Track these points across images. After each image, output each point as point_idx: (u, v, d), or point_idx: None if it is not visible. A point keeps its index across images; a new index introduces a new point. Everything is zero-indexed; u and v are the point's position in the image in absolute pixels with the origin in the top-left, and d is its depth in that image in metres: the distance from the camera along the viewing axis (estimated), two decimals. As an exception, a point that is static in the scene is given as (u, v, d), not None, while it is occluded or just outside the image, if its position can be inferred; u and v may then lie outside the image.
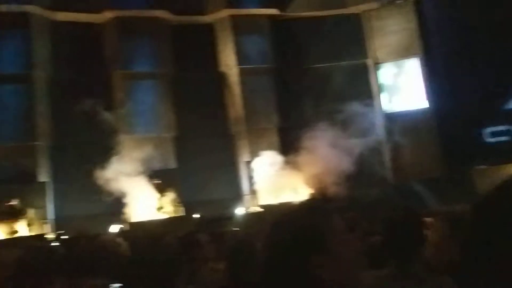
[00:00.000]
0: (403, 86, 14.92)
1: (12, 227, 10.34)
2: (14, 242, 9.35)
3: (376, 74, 15.03)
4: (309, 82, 14.48)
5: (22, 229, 10.50)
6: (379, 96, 14.92)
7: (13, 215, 10.45)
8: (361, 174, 11.91)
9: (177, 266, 2.26)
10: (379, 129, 14.25)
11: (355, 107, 12.64)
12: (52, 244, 7.66)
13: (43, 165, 12.34)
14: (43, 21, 12.97)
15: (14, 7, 12.41)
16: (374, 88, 14.92)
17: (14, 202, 10.51)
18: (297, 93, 14.38)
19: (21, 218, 10.52)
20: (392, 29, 14.75)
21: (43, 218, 11.53)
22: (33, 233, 10.70)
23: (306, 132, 12.27)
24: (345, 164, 11.41)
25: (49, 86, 12.91)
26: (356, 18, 15.11)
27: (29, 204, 11.16)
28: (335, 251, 1.11)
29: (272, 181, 12.30)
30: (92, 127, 12.50)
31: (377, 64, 15.07)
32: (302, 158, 11.91)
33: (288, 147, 12.83)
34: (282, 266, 1.09)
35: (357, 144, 12.19)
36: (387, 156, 14.26)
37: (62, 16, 13.29)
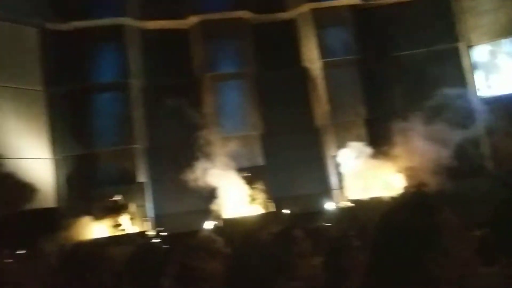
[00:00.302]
0: (500, 69, 13.85)
1: (116, 221, 11.33)
2: (119, 239, 10.09)
3: (469, 58, 14.10)
4: (397, 71, 13.95)
5: (125, 222, 11.36)
6: (474, 81, 13.98)
7: (116, 209, 11.45)
8: (458, 165, 11.23)
9: (277, 262, 2.30)
10: (476, 116, 13.35)
11: (448, 94, 11.95)
12: (154, 240, 8.15)
13: (141, 166, 13.15)
14: (134, 31, 13.80)
15: (109, 21, 13.32)
16: (468, 73, 14.01)
17: (117, 198, 11.42)
18: (384, 83, 13.92)
19: (124, 213, 11.45)
20: (486, 8, 13.74)
21: (143, 216, 12.30)
22: (135, 230, 11.52)
23: (395, 123, 11.86)
24: (441, 155, 10.83)
25: (143, 92, 13.71)
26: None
27: (131, 202, 12.01)
28: (449, 247, 1.07)
29: (360, 175, 12.03)
30: (183, 128, 13.09)
31: (470, 47, 14.12)
32: (393, 150, 11.52)
33: (377, 139, 12.50)
34: (391, 262, 1.07)
35: (451, 133, 11.53)
36: (486, 144, 13.33)
37: (151, 24, 14.03)
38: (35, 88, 12.67)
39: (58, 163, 12.69)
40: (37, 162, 12.23)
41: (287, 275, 2.74)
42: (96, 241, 8.07)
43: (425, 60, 13.73)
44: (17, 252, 7.53)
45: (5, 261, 6.13)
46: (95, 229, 11.11)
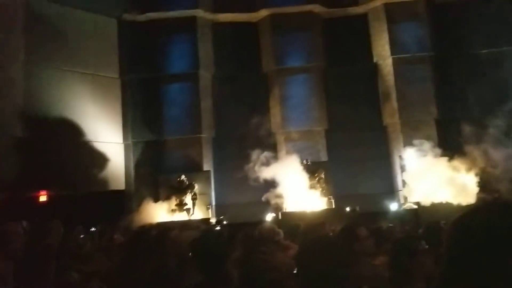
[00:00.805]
0: None
1: (181, 199, 11.84)
2: (183, 224, 10.42)
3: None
4: (473, 69, 13.24)
5: (189, 202, 11.92)
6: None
7: (182, 189, 11.94)
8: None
9: (340, 259, 2.29)
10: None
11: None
12: (218, 228, 8.33)
13: (207, 155, 13.48)
14: (206, 23, 14.12)
15: (182, 13, 13.72)
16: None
17: (183, 178, 11.85)
18: (459, 82, 13.25)
19: (188, 193, 11.96)
20: None
21: (207, 204, 12.62)
22: (198, 213, 11.90)
23: (468, 125, 11.29)
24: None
25: (212, 83, 14.02)
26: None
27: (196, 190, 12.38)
28: None
29: (427, 177, 11.58)
30: (249, 120, 13.26)
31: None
32: (463, 153, 10.97)
33: (447, 141, 11.98)
34: (473, 267, 1.02)
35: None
36: None
37: (222, 17, 14.28)
38: (111, 76, 13.34)
39: (129, 148, 13.31)
40: (109, 145, 12.89)
41: (350, 272, 2.71)
42: (161, 225, 8.38)
43: (504, 59, 12.92)
44: (89, 229, 8.00)
45: (79, 236, 6.53)
46: (160, 212, 11.57)
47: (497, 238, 1.02)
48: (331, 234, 4.03)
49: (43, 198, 10.94)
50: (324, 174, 11.99)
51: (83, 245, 6.13)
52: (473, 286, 1.02)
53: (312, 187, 11.72)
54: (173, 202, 11.86)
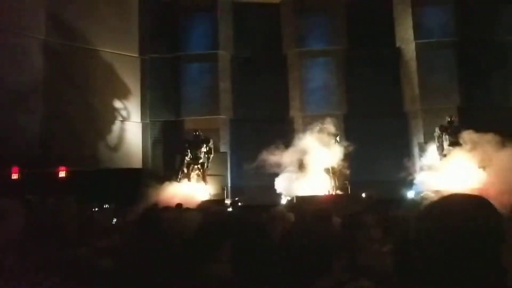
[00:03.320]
0: None
1: (196, 153, 11.95)
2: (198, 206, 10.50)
3: None
4: (499, 56, 12.82)
5: (203, 157, 12.01)
6: None
7: (198, 142, 12.04)
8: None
9: (338, 247, 2.24)
10: None
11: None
12: (229, 209, 8.36)
13: (224, 137, 13.49)
14: (227, 3, 13.97)
15: (204, -8, 13.61)
16: None
17: (199, 133, 12.04)
18: (484, 69, 12.86)
19: (204, 146, 12.05)
20: None
21: (223, 185, 12.69)
22: (215, 198, 11.96)
23: (491, 113, 11.00)
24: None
25: (231, 64, 13.94)
26: None
27: (212, 171, 12.43)
28: None
29: (445, 165, 11.35)
30: (268, 103, 13.19)
31: None
32: (483, 142, 10.67)
33: (470, 128, 11.65)
34: (466, 256, 1.01)
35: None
36: None
37: (244, -3, 14.11)
38: (131, 54, 13.38)
39: (147, 127, 13.41)
40: (128, 124, 13.02)
41: (344, 263, 2.67)
42: (173, 206, 8.43)
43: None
44: (104, 205, 8.14)
45: (93, 210, 6.64)
46: (174, 192, 11.65)
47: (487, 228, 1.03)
48: (338, 219, 3.97)
49: (62, 174, 11.14)
50: (343, 161, 11.86)
51: (97, 220, 6.22)
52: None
53: (329, 174, 11.61)
54: (191, 153, 11.96)
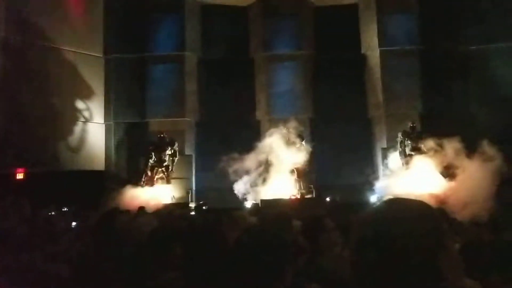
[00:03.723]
0: None
1: (161, 156, 11.77)
2: (157, 210, 10.33)
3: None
4: (461, 65, 13.17)
5: (168, 160, 11.85)
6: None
7: (163, 145, 11.85)
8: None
9: (295, 251, 2.22)
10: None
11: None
12: (191, 213, 8.26)
13: (189, 139, 13.35)
14: (194, 5, 13.86)
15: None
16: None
17: (164, 135, 11.87)
18: (446, 77, 13.16)
19: (169, 149, 11.89)
20: None
21: (188, 188, 12.54)
22: (178, 201, 11.80)
23: (453, 119, 11.29)
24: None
25: (198, 66, 13.83)
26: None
27: (177, 174, 12.27)
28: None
29: (406, 169, 11.60)
30: (235, 106, 13.15)
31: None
32: (444, 148, 10.96)
33: (432, 134, 11.92)
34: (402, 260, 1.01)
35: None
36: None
37: (211, -1, 14.04)
38: (95, 54, 13.08)
39: (110, 129, 13.12)
40: (90, 125, 12.70)
41: (297, 268, 2.64)
42: (134, 209, 8.24)
43: (491, 56, 12.87)
44: (62, 209, 7.89)
45: (50, 213, 6.41)
46: (137, 195, 11.43)
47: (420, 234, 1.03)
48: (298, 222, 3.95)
49: (20, 175, 10.76)
50: (307, 164, 11.93)
51: (54, 224, 6.02)
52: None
53: (298, 174, 11.67)
54: (154, 156, 11.82)
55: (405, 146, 11.85)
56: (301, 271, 2.63)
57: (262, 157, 12.69)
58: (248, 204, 10.90)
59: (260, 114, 13.73)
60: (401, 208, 1.10)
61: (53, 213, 7.13)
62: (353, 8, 14.14)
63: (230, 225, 4.01)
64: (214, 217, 4.31)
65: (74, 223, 6.66)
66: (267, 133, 12.77)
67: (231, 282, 1.84)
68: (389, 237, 1.02)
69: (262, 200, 11.06)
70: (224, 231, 3.13)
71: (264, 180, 12.37)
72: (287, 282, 1.84)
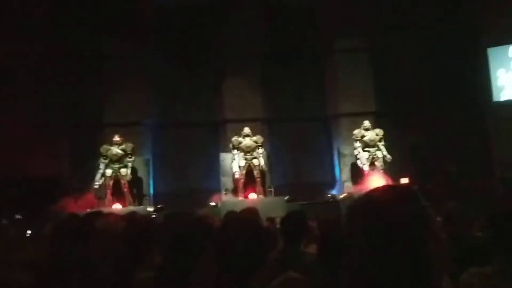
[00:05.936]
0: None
1: (117, 160, 11.49)
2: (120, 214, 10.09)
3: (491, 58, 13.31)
4: (415, 64, 13.43)
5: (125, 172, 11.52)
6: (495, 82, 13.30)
7: (121, 157, 11.51)
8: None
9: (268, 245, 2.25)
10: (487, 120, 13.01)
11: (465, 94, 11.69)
12: (153, 216, 8.14)
13: (146, 142, 13.07)
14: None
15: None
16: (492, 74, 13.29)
17: (120, 138, 11.59)
18: (400, 76, 13.40)
19: (125, 152, 11.59)
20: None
21: (145, 192, 12.31)
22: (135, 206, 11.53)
23: (406, 119, 11.66)
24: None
25: (155, 66, 13.44)
26: None
27: (133, 177, 11.98)
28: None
29: (364, 169, 11.94)
30: (192, 108, 13.07)
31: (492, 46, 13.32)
32: (398, 146, 11.36)
33: (387, 133, 12.27)
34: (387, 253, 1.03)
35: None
36: (493, 149, 12.99)
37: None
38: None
39: (64, 132, 12.65)
40: (43, 128, 12.19)
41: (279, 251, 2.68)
42: (91, 214, 8.02)
43: (445, 56, 13.15)
44: (16, 216, 7.58)
45: (3, 222, 6.15)
46: (95, 200, 11.14)
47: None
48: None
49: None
50: (266, 165, 12.00)
51: (5, 232, 5.80)
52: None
53: (256, 176, 11.72)
54: (111, 169, 11.48)
55: (360, 145, 12.16)
56: (278, 258, 2.68)
57: (221, 158, 12.72)
58: (208, 206, 10.86)
59: (218, 115, 13.65)
60: (390, 194, 1.11)
61: (4, 221, 6.86)
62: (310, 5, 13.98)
63: (196, 223, 4.00)
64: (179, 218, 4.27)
65: (29, 232, 6.42)
66: (226, 135, 12.80)
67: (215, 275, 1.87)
68: (380, 223, 1.04)
69: (222, 202, 11.06)
70: (211, 223, 3.11)
71: (223, 181, 12.40)
72: (266, 272, 1.88)
